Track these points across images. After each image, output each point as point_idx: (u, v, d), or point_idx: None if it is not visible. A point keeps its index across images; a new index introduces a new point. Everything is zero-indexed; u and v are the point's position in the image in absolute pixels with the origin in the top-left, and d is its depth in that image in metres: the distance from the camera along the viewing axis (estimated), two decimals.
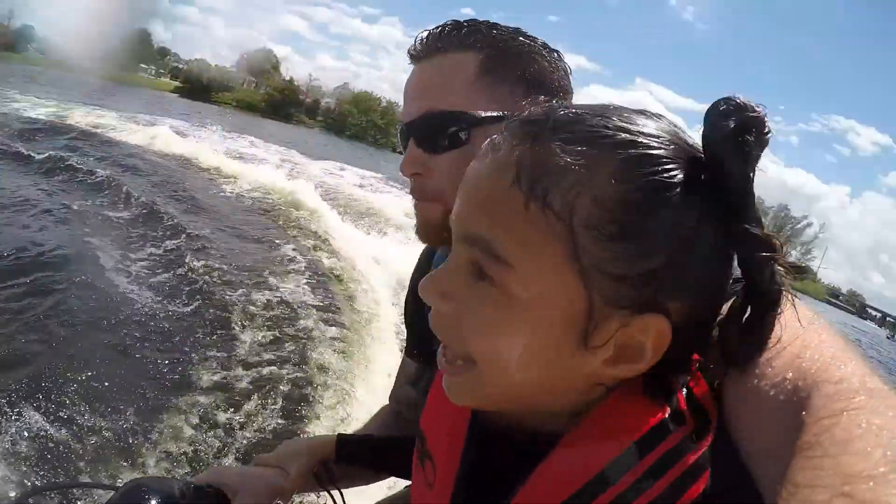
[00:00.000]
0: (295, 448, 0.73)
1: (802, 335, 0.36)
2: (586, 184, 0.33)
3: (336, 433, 0.75)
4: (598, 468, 0.34)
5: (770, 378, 0.35)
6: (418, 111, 0.63)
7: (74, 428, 2.25)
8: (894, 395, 0.31)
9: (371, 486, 0.81)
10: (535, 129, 0.35)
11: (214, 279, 3.95)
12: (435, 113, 0.62)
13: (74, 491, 1.93)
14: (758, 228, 0.33)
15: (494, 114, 0.61)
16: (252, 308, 3.67)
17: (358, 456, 0.72)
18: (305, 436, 2.41)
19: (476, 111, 0.61)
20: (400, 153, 0.68)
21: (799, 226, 50.88)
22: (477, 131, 0.60)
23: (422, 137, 0.63)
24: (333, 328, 3.71)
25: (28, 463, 2.05)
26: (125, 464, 2.16)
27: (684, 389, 0.37)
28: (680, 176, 0.33)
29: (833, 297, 51.90)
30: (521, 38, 0.64)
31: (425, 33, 0.65)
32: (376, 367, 3.37)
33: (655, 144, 0.34)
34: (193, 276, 3.94)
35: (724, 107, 0.33)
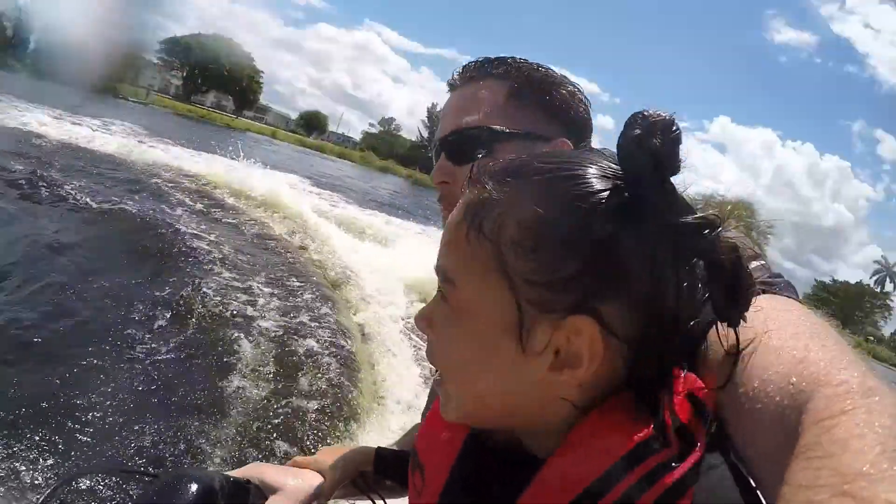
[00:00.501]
0: (334, 455, 0.74)
1: (799, 338, 0.38)
2: (510, 210, 0.38)
3: (375, 446, 0.76)
4: (580, 489, 0.36)
5: (770, 381, 0.35)
6: (449, 129, 0.70)
7: (113, 420, 2.37)
8: (893, 395, 0.32)
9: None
10: (479, 174, 0.41)
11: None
12: (463, 129, 0.69)
13: (116, 478, 1.99)
14: (688, 216, 0.36)
15: (516, 130, 0.68)
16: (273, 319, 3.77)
17: (395, 469, 0.72)
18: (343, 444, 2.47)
19: (499, 128, 0.68)
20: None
21: None
22: (499, 146, 0.67)
23: (450, 150, 0.70)
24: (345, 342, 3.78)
25: (79, 447, 2.18)
26: (166, 455, 2.26)
27: (668, 409, 0.37)
28: (591, 187, 0.37)
29: None
30: (543, 71, 0.71)
31: (462, 67, 0.73)
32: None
33: (573, 165, 0.38)
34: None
35: (633, 119, 0.36)
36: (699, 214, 0.36)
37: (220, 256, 4.57)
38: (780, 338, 0.38)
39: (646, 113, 0.36)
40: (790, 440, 0.32)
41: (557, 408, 0.39)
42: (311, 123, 64.21)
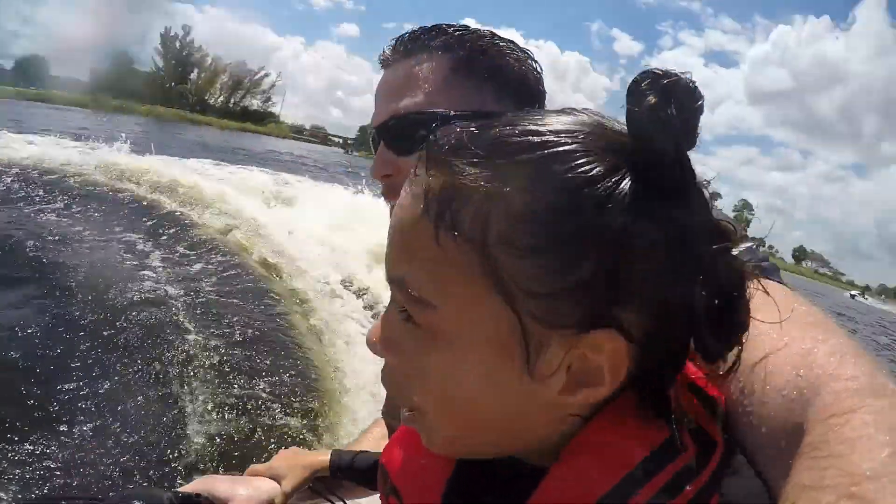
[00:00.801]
0: (289, 460, 0.72)
1: (806, 332, 0.35)
2: (494, 199, 0.30)
3: (331, 448, 0.76)
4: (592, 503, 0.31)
5: (777, 377, 0.33)
6: (387, 114, 0.63)
7: (62, 443, 2.23)
8: None
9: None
10: (439, 153, 0.32)
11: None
12: (402, 114, 0.61)
13: None
14: (704, 215, 0.30)
15: (462, 112, 0.60)
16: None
17: (352, 471, 0.72)
18: (301, 447, 2.37)
19: (444, 110, 0.60)
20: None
21: (257, 77, 57.78)
22: None
23: (391, 139, 0.63)
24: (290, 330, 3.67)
25: (20, 480, 2.04)
26: (115, 476, 2.15)
27: (678, 409, 0.33)
28: (599, 169, 0.29)
29: (297, 132, 59.25)
30: (488, 39, 0.64)
31: (394, 40, 0.65)
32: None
33: (567, 140, 0.30)
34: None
35: (643, 80, 0.30)
36: (717, 218, 0.31)
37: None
38: (788, 329, 0.35)
39: (659, 72, 0.30)
40: (796, 436, 0.30)
41: (566, 424, 0.33)
42: (29, 71, 53.07)
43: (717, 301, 0.30)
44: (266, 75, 59.13)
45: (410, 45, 0.64)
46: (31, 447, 2.19)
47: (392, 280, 0.34)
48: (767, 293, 0.33)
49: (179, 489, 0.65)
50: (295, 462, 0.72)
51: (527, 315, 0.30)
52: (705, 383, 0.35)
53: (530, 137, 0.31)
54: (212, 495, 0.64)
